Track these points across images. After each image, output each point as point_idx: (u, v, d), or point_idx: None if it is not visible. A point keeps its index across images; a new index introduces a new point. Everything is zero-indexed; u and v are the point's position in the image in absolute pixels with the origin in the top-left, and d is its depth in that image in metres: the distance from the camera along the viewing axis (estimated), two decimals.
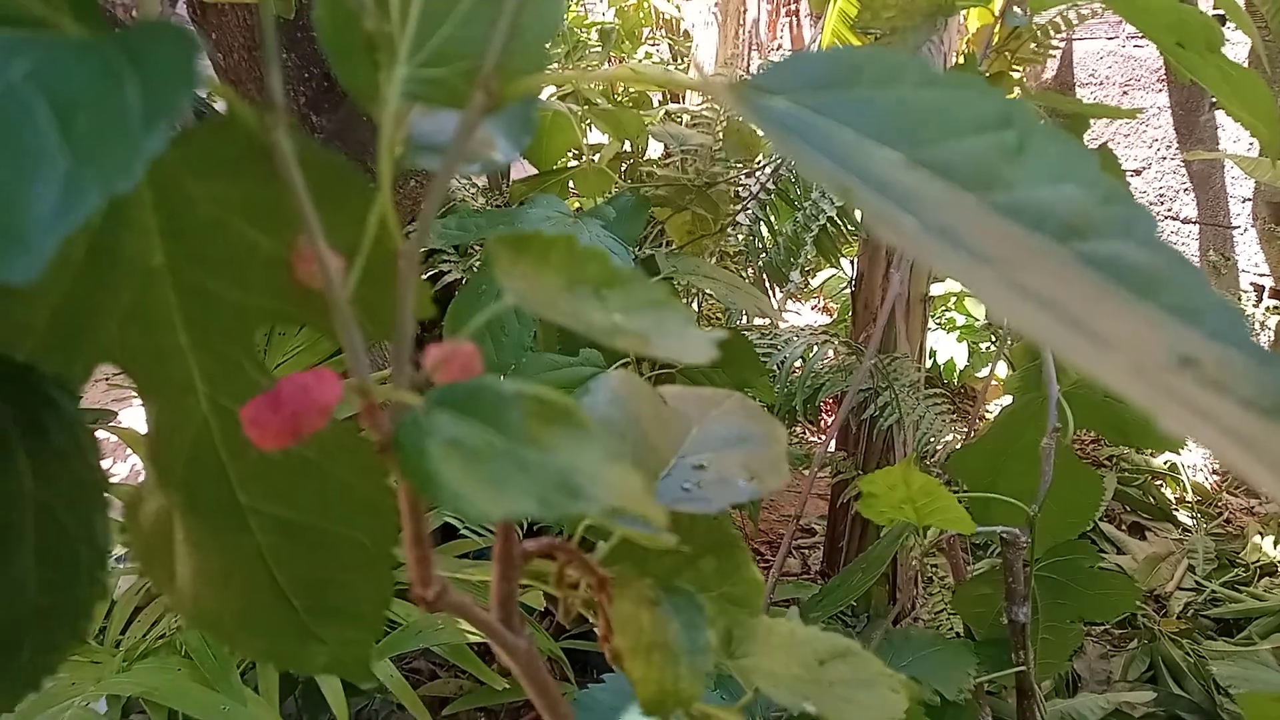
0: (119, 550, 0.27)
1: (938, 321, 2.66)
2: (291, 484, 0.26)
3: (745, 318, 1.86)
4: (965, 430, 1.53)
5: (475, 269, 1.38)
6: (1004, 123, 0.18)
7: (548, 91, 1.64)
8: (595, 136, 1.81)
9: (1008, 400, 1.03)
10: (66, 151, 0.16)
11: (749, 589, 0.34)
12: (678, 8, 4.39)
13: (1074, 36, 2.81)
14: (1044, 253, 0.16)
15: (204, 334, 0.25)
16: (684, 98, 2.50)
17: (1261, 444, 0.14)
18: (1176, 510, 2.26)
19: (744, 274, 1.63)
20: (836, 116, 0.19)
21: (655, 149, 1.94)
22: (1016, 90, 1.15)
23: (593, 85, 1.65)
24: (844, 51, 0.20)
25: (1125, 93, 2.74)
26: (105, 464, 0.26)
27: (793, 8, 4.04)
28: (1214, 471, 2.39)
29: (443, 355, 0.23)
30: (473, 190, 1.50)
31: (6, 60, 0.16)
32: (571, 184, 1.60)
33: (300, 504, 0.26)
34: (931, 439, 1.48)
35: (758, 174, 1.57)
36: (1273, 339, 2.41)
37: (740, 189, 1.58)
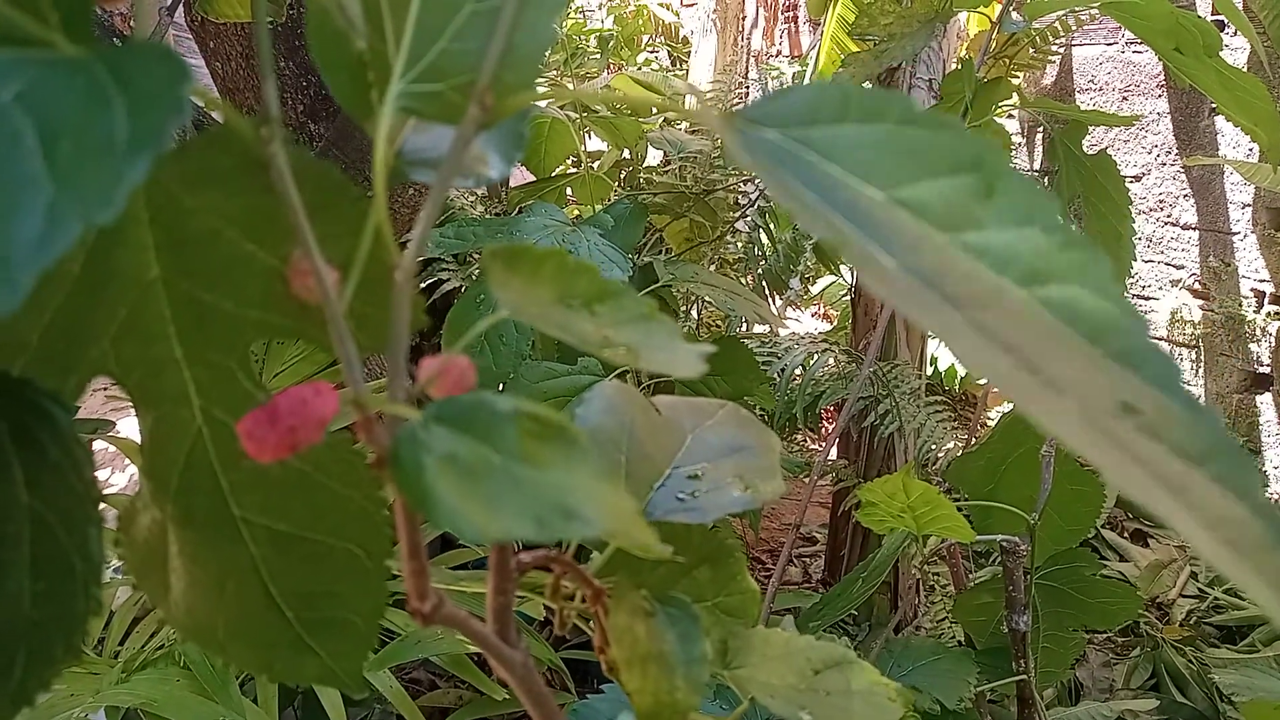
0: (117, 561, 0.27)
1: None
2: (285, 496, 0.26)
3: (745, 325, 1.86)
4: (966, 438, 1.53)
5: (473, 277, 1.38)
6: (976, 164, 0.18)
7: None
8: (594, 144, 1.81)
9: (1009, 407, 1.03)
10: (50, 179, 0.15)
11: (744, 599, 0.34)
12: (676, 15, 4.40)
13: (1073, 42, 2.81)
14: (1008, 295, 0.17)
15: (199, 347, 0.25)
16: (683, 104, 2.50)
17: (1188, 490, 0.15)
18: None
19: (744, 281, 1.63)
20: (823, 151, 0.19)
21: (655, 156, 1.94)
22: (1014, 97, 1.16)
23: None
24: (831, 86, 0.20)
25: (1125, 98, 2.74)
26: (103, 474, 0.26)
27: (791, 14, 4.05)
28: None
29: (437, 368, 0.23)
30: (471, 199, 1.50)
31: None
32: (570, 191, 1.61)
33: (294, 516, 0.26)
34: (933, 446, 1.48)
35: (756, 181, 1.57)
36: (1274, 345, 2.41)
37: (739, 196, 1.59)
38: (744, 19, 3.98)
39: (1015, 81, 1.27)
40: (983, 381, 2.56)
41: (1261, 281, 2.49)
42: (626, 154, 1.75)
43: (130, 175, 0.16)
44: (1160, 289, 2.70)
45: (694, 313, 1.73)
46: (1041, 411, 0.15)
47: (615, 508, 0.18)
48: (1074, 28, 1.28)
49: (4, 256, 0.14)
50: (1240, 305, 2.51)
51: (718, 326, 1.96)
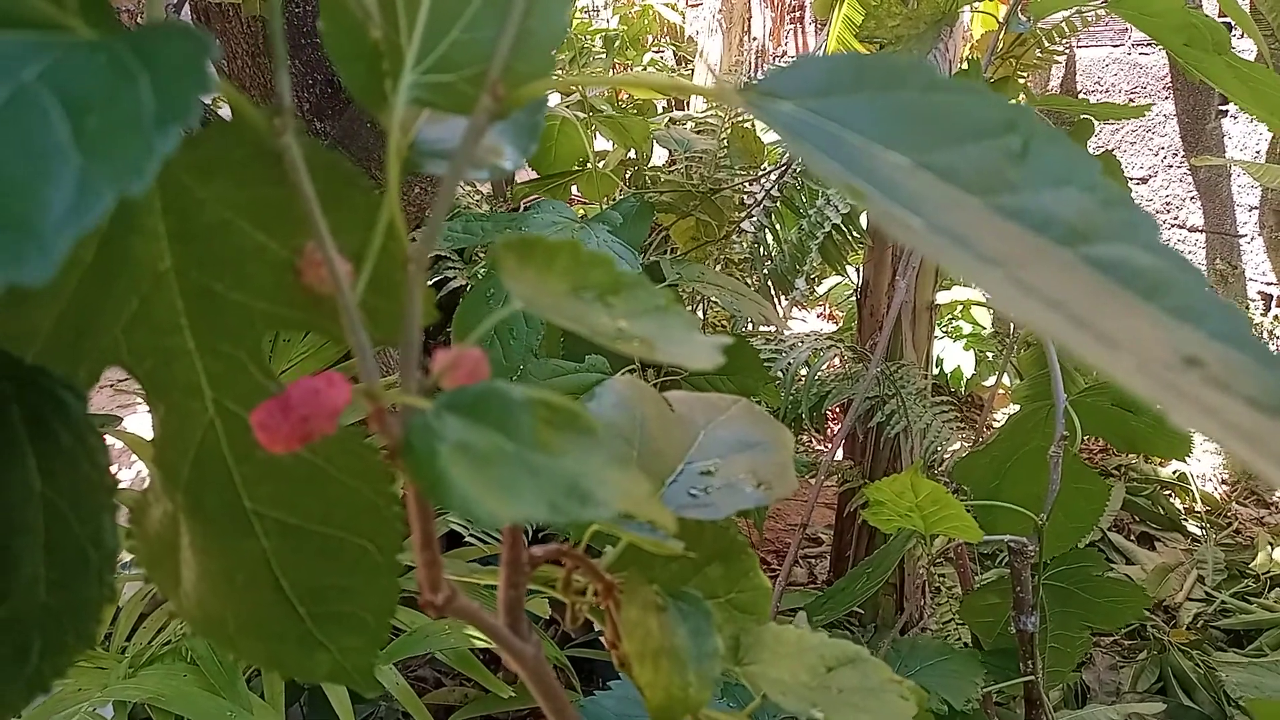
0: (125, 556, 0.27)
1: (944, 330, 2.65)
2: (297, 489, 0.26)
3: (750, 325, 1.86)
4: (973, 439, 1.53)
5: (480, 274, 1.39)
6: (1008, 127, 0.18)
7: (555, 99, 1.65)
8: (601, 143, 1.81)
9: (1016, 409, 1.03)
10: (79, 151, 0.15)
11: (756, 595, 0.34)
12: (682, 15, 4.40)
13: (1079, 44, 2.81)
14: (1049, 254, 0.16)
15: (210, 337, 0.25)
16: (688, 104, 2.50)
17: (1267, 441, 0.14)
18: (1186, 520, 2.24)
19: (749, 281, 1.63)
20: (842, 120, 0.19)
21: (660, 156, 1.94)
22: (1021, 97, 1.15)
23: (599, 92, 1.66)
24: (847, 56, 0.20)
25: (1131, 100, 2.73)
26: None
27: (797, 15, 4.05)
28: (1223, 482, 2.38)
29: (450, 360, 0.23)
30: (477, 197, 1.50)
31: (19, 60, 0.16)
32: (575, 188, 1.61)
33: (305, 509, 0.26)
34: (939, 447, 1.47)
35: (762, 180, 1.57)
36: None
37: (745, 195, 1.58)
38: (749, 20, 3.97)
39: (1022, 81, 1.26)
40: (989, 384, 2.55)
41: (1269, 284, 2.48)
42: (632, 153, 1.76)
43: (160, 146, 0.16)
44: None
45: (699, 312, 1.73)
46: (1099, 363, 0.15)
47: (629, 490, 0.18)
48: (1080, 28, 1.28)
49: (37, 224, 0.14)
50: (1248, 308, 2.50)
51: (723, 326, 1.96)
